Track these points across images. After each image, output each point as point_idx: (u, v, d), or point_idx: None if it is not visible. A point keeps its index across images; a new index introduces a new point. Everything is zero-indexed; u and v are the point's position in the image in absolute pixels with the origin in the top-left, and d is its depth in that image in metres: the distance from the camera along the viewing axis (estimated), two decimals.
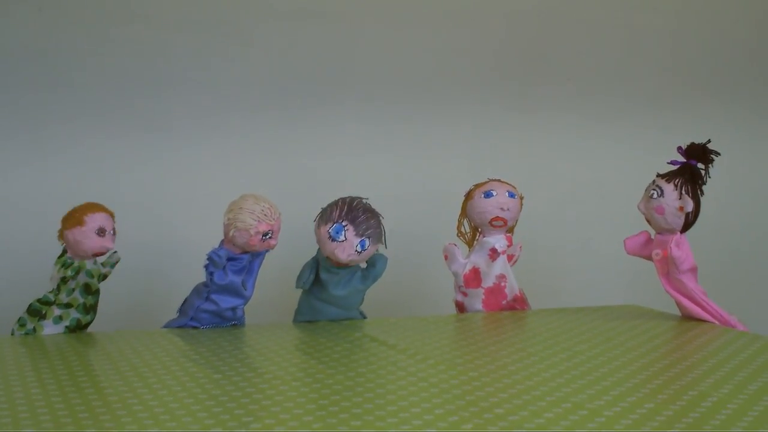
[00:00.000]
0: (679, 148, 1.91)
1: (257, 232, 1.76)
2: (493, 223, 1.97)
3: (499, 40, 2.55)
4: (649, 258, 1.93)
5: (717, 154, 1.89)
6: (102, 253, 1.77)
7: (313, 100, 2.41)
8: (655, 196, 1.89)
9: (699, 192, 1.89)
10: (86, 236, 1.74)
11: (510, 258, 2.00)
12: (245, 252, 1.80)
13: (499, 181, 2.01)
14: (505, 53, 2.56)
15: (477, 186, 2.01)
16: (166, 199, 2.29)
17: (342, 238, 1.79)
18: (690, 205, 1.87)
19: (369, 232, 1.80)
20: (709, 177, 1.90)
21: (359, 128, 2.44)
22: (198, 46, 2.32)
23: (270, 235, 1.78)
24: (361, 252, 1.80)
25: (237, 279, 1.79)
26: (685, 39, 2.70)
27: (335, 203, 1.82)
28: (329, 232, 1.80)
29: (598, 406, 1.26)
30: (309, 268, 1.86)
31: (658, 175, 1.92)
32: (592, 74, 2.63)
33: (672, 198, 1.88)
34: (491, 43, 2.55)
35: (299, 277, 1.87)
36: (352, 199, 1.83)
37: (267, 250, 1.82)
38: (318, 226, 1.82)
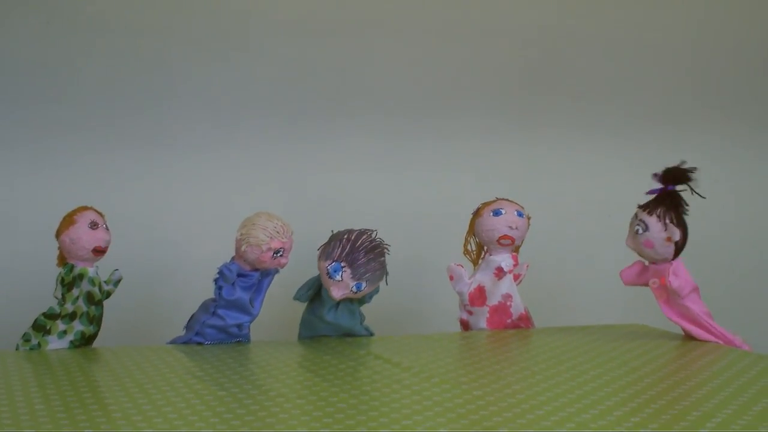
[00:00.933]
0: (655, 174, 1.90)
1: (269, 249, 1.77)
2: (501, 241, 1.97)
3: (505, 56, 2.56)
4: (647, 285, 1.93)
5: (693, 171, 1.87)
6: (101, 248, 1.77)
7: (316, 114, 2.41)
8: (640, 231, 1.89)
9: (683, 215, 1.88)
10: (80, 232, 1.75)
11: (516, 277, 2.00)
12: (255, 269, 1.80)
13: (507, 200, 2.02)
14: (511, 69, 2.57)
15: (486, 204, 2.01)
16: (168, 212, 2.29)
17: (338, 278, 1.79)
18: (677, 234, 1.86)
19: (367, 276, 1.80)
20: (701, 196, 1.88)
21: (363, 143, 2.45)
22: (201, 59, 2.32)
23: (281, 253, 1.78)
24: (356, 292, 1.81)
25: (245, 296, 1.80)
26: (692, 56, 2.71)
27: (339, 239, 1.81)
28: (327, 269, 1.80)
29: (601, 426, 1.26)
30: (310, 284, 1.86)
31: (639, 207, 1.91)
32: (598, 90, 2.63)
33: (657, 230, 1.87)
34: (497, 59, 2.55)
35: (299, 290, 1.87)
36: (358, 236, 1.81)
37: (277, 270, 1.83)
38: (319, 258, 1.82)
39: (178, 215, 2.30)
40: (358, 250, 1.80)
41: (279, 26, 2.37)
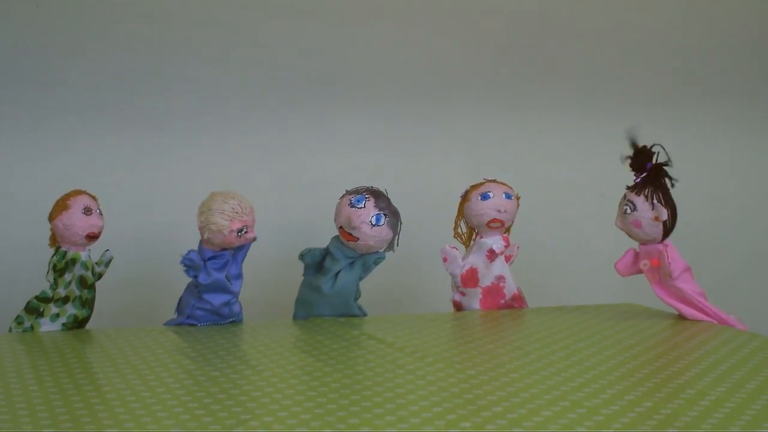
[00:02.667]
0: (629, 163, 1.90)
1: (231, 231, 1.75)
2: (491, 224, 1.97)
3: (498, 38, 2.56)
4: (641, 272, 1.93)
5: (652, 147, 1.87)
6: (94, 234, 1.76)
7: (310, 98, 2.41)
8: (628, 211, 1.89)
9: (670, 195, 1.88)
10: (74, 217, 1.74)
11: (508, 258, 2.00)
12: (225, 249, 1.80)
13: (495, 181, 2.01)
14: (504, 52, 2.57)
15: (473, 187, 2.00)
16: (164, 196, 2.29)
17: (361, 205, 1.82)
18: (664, 214, 1.87)
19: (387, 212, 1.84)
20: (672, 181, 1.89)
21: (357, 127, 2.45)
22: (196, 43, 2.32)
23: (245, 230, 1.77)
24: (374, 226, 1.81)
25: (221, 275, 1.79)
26: (685, 38, 2.70)
27: (359, 186, 1.88)
28: (350, 200, 1.84)
29: (596, 404, 1.26)
30: (318, 251, 1.88)
31: (628, 188, 1.91)
32: (591, 73, 2.63)
33: (645, 210, 1.87)
34: (490, 42, 2.55)
35: (305, 252, 1.88)
36: (378, 188, 1.88)
37: (250, 243, 1.82)
38: (341, 198, 1.86)
39: (171, 198, 2.30)
40: (382, 194, 1.86)
41: (272, 10, 2.36)
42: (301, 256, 1.89)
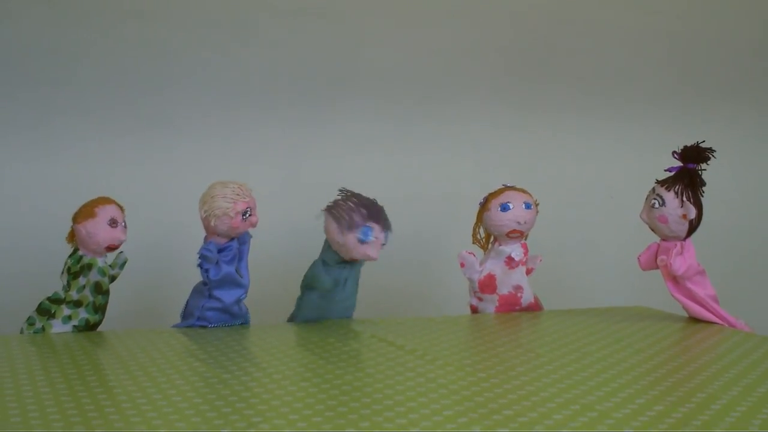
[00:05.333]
0: (674, 152, 1.90)
1: (236, 213, 1.76)
2: (510, 235, 1.96)
3: (506, 39, 2.55)
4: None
5: (712, 151, 1.87)
6: (115, 246, 1.77)
7: (317, 98, 2.41)
8: (656, 205, 1.88)
9: (700, 195, 1.88)
10: (98, 227, 1.74)
11: (529, 271, 1.99)
12: (232, 239, 1.80)
13: (514, 189, 1.99)
14: (512, 53, 2.56)
15: (493, 195, 1.98)
16: (171, 196, 2.29)
17: (372, 238, 1.80)
18: (693, 212, 1.86)
19: (387, 223, 1.82)
20: (703, 182, 1.89)
21: (364, 127, 2.45)
22: (202, 43, 2.32)
23: (249, 212, 1.77)
24: (385, 244, 1.82)
25: (231, 268, 1.79)
26: (693, 40, 2.70)
27: (349, 209, 1.80)
28: (359, 238, 1.79)
29: (608, 408, 1.26)
30: (322, 268, 1.86)
31: (657, 182, 1.90)
32: (600, 75, 2.63)
33: (674, 206, 1.87)
34: (498, 43, 2.55)
35: (321, 280, 1.84)
36: (357, 196, 1.83)
37: (251, 235, 1.82)
38: (341, 235, 1.80)
39: (179, 198, 2.29)
40: (372, 205, 1.82)
41: (278, 10, 2.37)
42: (314, 285, 1.86)
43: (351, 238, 1.80)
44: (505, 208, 1.95)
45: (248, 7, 2.35)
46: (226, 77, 2.35)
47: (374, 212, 1.81)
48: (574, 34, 2.60)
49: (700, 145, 1.88)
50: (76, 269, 1.76)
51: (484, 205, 1.98)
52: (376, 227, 1.80)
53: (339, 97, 2.43)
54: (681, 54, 2.70)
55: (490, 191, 1.99)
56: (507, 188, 1.99)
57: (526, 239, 2.00)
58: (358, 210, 1.81)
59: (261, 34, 2.36)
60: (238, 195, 1.76)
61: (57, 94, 2.23)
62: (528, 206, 1.97)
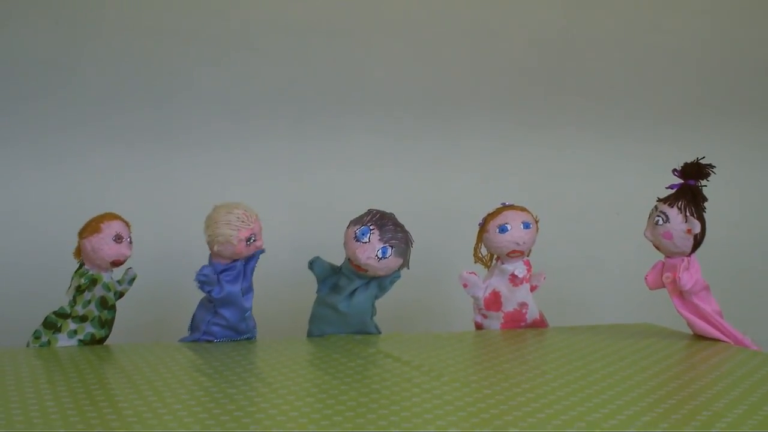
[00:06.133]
0: (674, 170, 1.90)
1: (240, 240, 1.75)
2: (510, 255, 1.96)
3: (513, 56, 2.56)
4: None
5: (712, 167, 1.87)
6: (120, 261, 1.77)
7: (323, 113, 2.42)
8: (660, 222, 1.88)
9: (702, 211, 1.88)
10: (103, 243, 1.75)
11: (533, 288, 1.99)
12: (235, 260, 1.80)
13: (512, 208, 1.98)
14: (517, 71, 2.57)
15: (491, 216, 1.97)
16: (175, 210, 2.30)
17: (366, 240, 1.80)
18: (697, 227, 1.86)
19: (393, 242, 1.81)
20: (705, 198, 1.89)
21: (371, 142, 2.45)
22: (206, 58, 2.33)
23: (254, 238, 1.77)
24: (381, 259, 1.81)
25: (235, 288, 1.79)
26: (700, 57, 2.71)
27: (370, 211, 1.85)
28: (355, 232, 1.82)
29: (612, 426, 1.26)
30: (328, 265, 1.88)
31: (659, 200, 1.91)
32: (605, 91, 2.63)
33: (678, 222, 1.87)
34: (505, 60, 2.55)
35: (317, 264, 1.88)
36: (387, 212, 1.86)
37: (257, 253, 1.82)
38: (348, 227, 1.84)
39: (184, 213, 2.30)
40: (388, 220, 1.83)
41: (284, 25, 2.37)
42: (310, 265, 1.88)
43: (350, 231, 1.83)
44: (503, 229, 1.94)
45: (252, 22, 2.36)
46: (228, 92, 2.35)
47: (382, 221, 1.82)
48: (578, 52, 2.60)
49: (700, 161, 1.88)
50: (81, 284, 1.76)
51: (483, 226, 1.98)
52: (375, 233, 1.81)
53: (343, 112, 2.43)
54: (686, 72, 2.70)
55: (489, 212, 1.99)
56: (505, 208, 1.98)
57: (528, 256, 2.00)
58: (371, 214, 1.84)
59: (265, 49, 2.37)
60: (242, 222, 1.75)
61: (58, 108, 2.24)
62: (527, 226, 1.96)
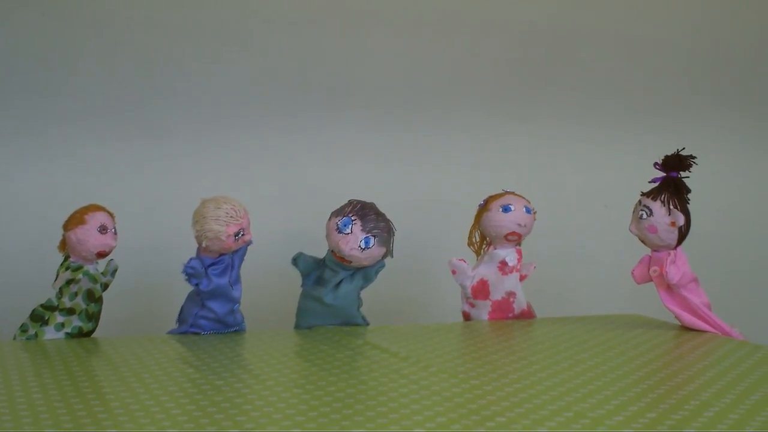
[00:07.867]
0: (656, 163, 1.90)
1: (228, 236, 1.75)
2: (508, 237, 1.96)
3: (503, 49, 2.56)
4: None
5: (693, 158, 1.87)
6: (105, 252, 1.77)
7: (315, 107, 2.41)
8: (644, 216, 1.89)
9: (686, 202, 1.88)
10: (88, 234, 1.74)
11: (522, 278, 2.00)
12: (223, 254, 1.80)
13: (514, 194, 2.00)
14: (508, 63, 2.57)
15: (493, 198, 1.99)
16: (167, 204, 2.30)
17: (348, 231, 1.80)
18: (681, 219, 1.86)
19: (376, 231, 1.81)
20: (688, 189, 1.89)
21: (362, 136, 2.45)
22: (200, 52, 2.32)
23: (242, 232, 1.77)
24: (364, 249, 1.81)
25: (222, 281, 1.78)
26: (690, 48, 2.71)
27: (350, 201, 1.85)
28: (337, 224, 1.82)
29: (600, 415, 1.26)
30: (312, 260, 1.88)
31: (643, 194, 1.91)
32: (595, 83, 2.64)
33: (661, 215, 1.87)
34: (494, 52, 2.55)
35: (300, 258, 1.88)
36: (367, 202, 1.86)
37: (246, 246, 1.82)
38: (329, 219, 1.84)
39: (174, 206, 2.29)
40: (369, 209, 1.84)
41: (277, 20, 2.37)
42: (294, 261, 1.89)
43: (332, 223, 1.83)
44: (506, 209, 1.96)
45: (246, 16, 2.35)
46: (222, 86, 2.35)
47: (364, 212, 1.82)
48: (567, 45, 2.61)
49: (681, 153, 1.88)
50: (67, 276, 1.75)
51: (484, 206, 1.99)
52: (358, 224, 1.81)
53: (336, 105, 2.43)
54: (676, 65, 2.71)
55: (491, 194, 2.00)
56: (507, 192, 2.00)
57: (520, 245, 2.00)
58: (352, 204, 1.84)
59: (258, 44, 2.36)
60: (231, 217, 1.74)
61: (53, 103, 2.23)
62: (528, 211, 1.98)
